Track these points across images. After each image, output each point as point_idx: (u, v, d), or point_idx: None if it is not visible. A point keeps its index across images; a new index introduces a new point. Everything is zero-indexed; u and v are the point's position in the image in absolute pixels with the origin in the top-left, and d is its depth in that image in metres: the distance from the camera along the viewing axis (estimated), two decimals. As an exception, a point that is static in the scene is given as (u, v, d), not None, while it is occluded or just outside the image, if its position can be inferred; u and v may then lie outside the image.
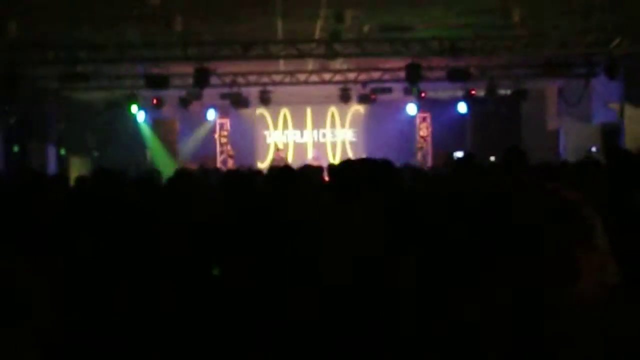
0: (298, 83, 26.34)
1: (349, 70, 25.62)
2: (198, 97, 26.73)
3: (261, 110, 30.55)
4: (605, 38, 21.27)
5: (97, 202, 6.53)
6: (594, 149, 24.70)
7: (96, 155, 28.20)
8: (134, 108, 28.08)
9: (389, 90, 27.66)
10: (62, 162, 27.08)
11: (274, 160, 28.67)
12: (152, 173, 12.95)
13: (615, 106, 24.16)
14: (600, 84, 24.92)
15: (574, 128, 27.53)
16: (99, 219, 5.95)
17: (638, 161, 6.76)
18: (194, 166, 24.00)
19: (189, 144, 31.46)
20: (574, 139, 27.41)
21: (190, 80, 22.76)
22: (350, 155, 29.98)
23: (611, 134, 24.36)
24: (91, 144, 28.22)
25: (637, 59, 22.26)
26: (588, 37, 21.24)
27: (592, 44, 21.60)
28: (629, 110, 23.37)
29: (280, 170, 8.36)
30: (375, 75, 26.41)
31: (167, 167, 24.25)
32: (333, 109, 31.51)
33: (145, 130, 30.91)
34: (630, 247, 4.19)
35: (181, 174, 8.51)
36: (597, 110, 25.79)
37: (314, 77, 26.05)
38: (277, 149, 30.94)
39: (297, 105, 31.47)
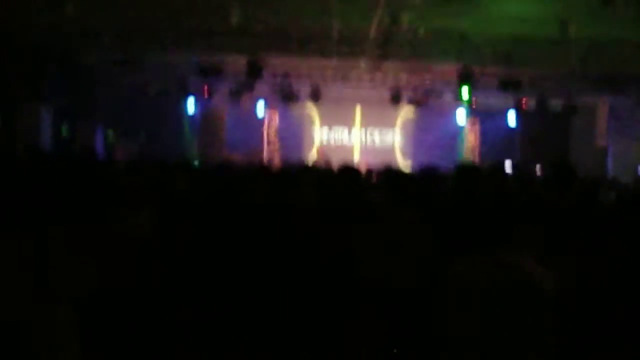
0: (349, 81, 26.35)
1: (400, 72, 25.59)
2: (249, 89, 26.81)
3: (310, 107, 30.54)
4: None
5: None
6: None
7: (143, 141, 28.35)
8: (184, 97, 28.29)
9: (439, 95, 27.63)
10: (110, 145, 27.30)
11: (318, 156, 28.69)
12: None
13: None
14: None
15: (624, 146, 27.34)
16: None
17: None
18: (239, 158, 24.13)
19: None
20: (623, 157, 27.23)
21: (242, 73, 22.85)
22: (398, 158, 30.03)
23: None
24: (139, 130, 28.38)
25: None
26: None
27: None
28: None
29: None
30: (427, 79, 26.36)
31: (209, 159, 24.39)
32: (382, 110, 31.43)
33: (191, 120, 31.03)
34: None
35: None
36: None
37: (365, 77, 26.06)
38: (321, 146, 31.01)
39: (346, 104, 31.47)
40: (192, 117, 30.86)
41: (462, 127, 31.66)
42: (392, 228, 5.74)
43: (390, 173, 8.27)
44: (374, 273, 5.30)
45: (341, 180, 7.95)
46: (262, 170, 10.63)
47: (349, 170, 8.12)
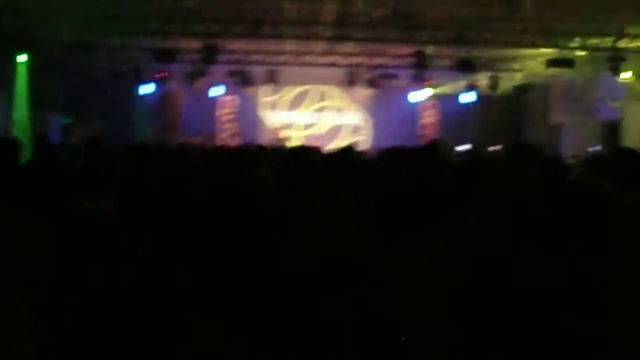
0: (305, 64, 26.39)
1: (356, 54, 25.66)
2: (204, 73, 26.75)
3: (266, 90, 30.51)
4: (611, 35, 21.35)
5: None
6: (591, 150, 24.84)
7: (99, 126, 28.19)
8: (139, 81, 28.20)
9: (395, 77, 27.75)
10: (66, 130, 27.12)
11: (275, 139, 28.72)
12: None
13: (617, 103, 24.26)
14: (605, 81, 25.01)
15: (577, 124, 27.61)
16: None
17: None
18: (195, 141, 24.12)
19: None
20: (576, 135, 27.50)
21: (198, 56, 22.83)
22: (355, 139, 30.09)
23: (613, 131, 24.48)
24: (95, 114, 28.21)
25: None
26: (593, 35, 21.34)
27: (597, 41, 21.71)
28: (631, 108, 23.47)
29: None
30: (382, 61, 26.45)
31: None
32: (339, 92, 31.48)
33: (146, 104, 30.88)
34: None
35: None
36: (600, 107, 25.89)
37: (321, 59, 26.11)
38: (281, 127, 31.12)
39: (302, 86, 31.52)
40: (148, 101, 30.73)
41: (417, 105, 31.79)
42: (331, 203, 5.84)
43: (343, 153, 8.36)
44: (313, 246, 5.38)
45: (295, 160, 8.06)
46: (218, 152, 10.69)
47: (302, 151, 8.23)
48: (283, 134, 30.09)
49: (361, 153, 15.17)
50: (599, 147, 24.57)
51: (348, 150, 7.77)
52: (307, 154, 9.04)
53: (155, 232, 5.38)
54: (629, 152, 7.45)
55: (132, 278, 4.75)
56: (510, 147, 8.58)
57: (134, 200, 6.10)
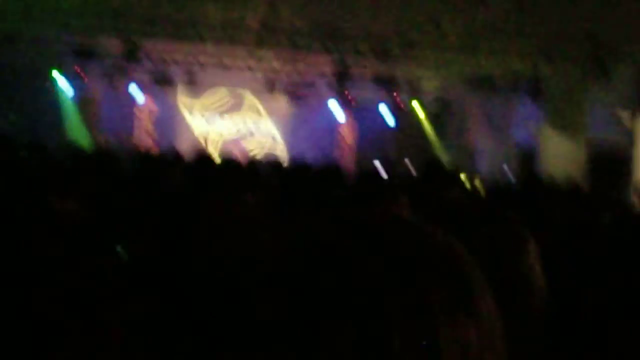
0: (225, 67, 26.27)
1: (275, 60, 25.64)
2: (124, 73, 26.48)
3: (186, 92, 30.26)
4: (530, 59, 21.62)
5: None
6: (506, 170, 25.12)
7: (12, 120, 27.70)
8: (56, 74, 27.81)
9: (312, 85, 27.79)
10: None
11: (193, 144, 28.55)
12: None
13: (533, 128, 24.54)
14: (522, 106, 25.32)
15: (494, 147, 27.88)
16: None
17: (549, 189, 6.95)
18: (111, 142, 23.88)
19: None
20: (492, 158, 27.77)
21: (117, 55, 22.61)
22: (274, 148, 30.03)
23: (528, 154, 24.75)
24: (9, 108, 27.73)
25: (559, 82, 22.69)
26: (514, 57, 21.59)
27: (517, 64, 21.96)
28: (546, 134, 23.76)
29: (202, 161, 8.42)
30: (303, 70, 26.46)
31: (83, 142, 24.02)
32: (257, 98, 31.39)
33: (67, 101, 30.46)
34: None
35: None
36: (517, 130, 26.20)
37: (241, 63, 26.02)
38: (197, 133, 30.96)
39: (222, 91, 31.37)
40: (66, 99, 30.32)
41: (336, 119, 31.84)
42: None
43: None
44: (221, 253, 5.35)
45: (203, 167, 8.07)
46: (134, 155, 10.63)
47: (209, 158, 8.24)
48: (201, 138, 29.87)
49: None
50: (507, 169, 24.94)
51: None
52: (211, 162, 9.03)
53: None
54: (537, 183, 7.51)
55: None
56: (425, 165, 8.60)
57: (97, 201, 6.09)
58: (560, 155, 22.65)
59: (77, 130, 29.92)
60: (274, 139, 32.45)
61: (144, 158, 9.41)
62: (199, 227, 5.50)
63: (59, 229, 5.20)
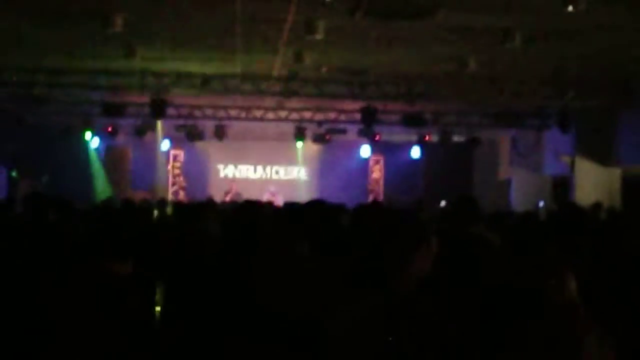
0: (254, 119, 26.38)
1: (305, 109, 25.70)
2: (153, 127, 26.70)
3: (215, 144, 30.33)
4: (559, 91, 21.56)
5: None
6: (541, 204, 24.96)
7: (45, 180, 27.92)
8: (88, 134, 28.06)
9: (343, 132, 27.82)
10: (13, 185, 26.84)
11: (232, 193, 28.58)
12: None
13: (566, 159, 24.43)
14: (553, 136, 25.24)
15: (525, 178, 27.77)
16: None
17: (587, 216, 6.90)
18: (146, 196, 23.95)
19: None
20: (525, 190, 27.67)
21: (146, 110, 22.76)
22: (304, 194, 30.02)
23: (561, 186, 24.63)
24: (43, 168, 27.95)
25: (589, 113, 22.61)
26: (542, 90, 21.54)
27: (545, 97, 21.90)
28: (580, 163, 23.66)
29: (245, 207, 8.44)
30: (331, 115, 26.51)
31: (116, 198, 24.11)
32: (287, 147, 31.40)
33: (96, 158, 30.70)
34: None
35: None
36: (549, 161, 26.08)
37: (270, 114, 26.12)
38: (232, 181, 30.95)
39: (251, 141, 31.46)
40: (97, 155, 30.59)
41: (366, 159, 31.86)
42: (288, 260, 5.84)
43: (293, 208, 8.35)
44: (272, 302, 5.37)
45: (243, 215, 8.07)
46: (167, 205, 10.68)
47: (250, 206, 8.22)
48: (232, 188, 29.88)
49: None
50: (542, 203, 24.78)
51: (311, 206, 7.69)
52: (256, 210, 9.02)
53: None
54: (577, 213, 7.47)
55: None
56: (454, 202, 8.58)
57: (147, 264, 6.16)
58: (594, 185, 22.55)
59: (109, 187, 30.10)
60: (303, 184, 32.47)
61: (181, 210, 9.42)
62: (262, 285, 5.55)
63: (118, 290, 5.29)
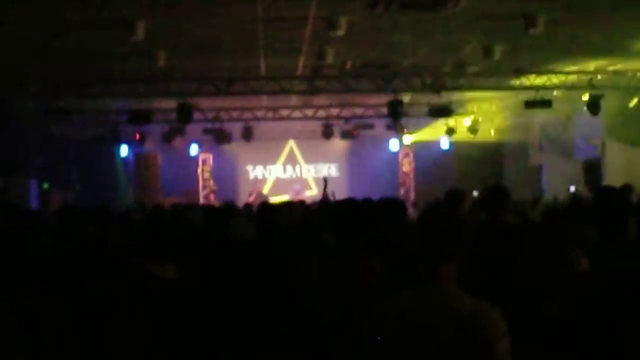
0: (280, 119, 26.40)
1: (331, 106, 25.69)
2: (181, 132, 26.76)
3: (243, 146, 30.30)
4: (587, 74, 21.44)
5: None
6: (572, 189, 24.80)
7: (78, 190, 28.08)
8: (117, 144, 28.23)
9: (371, 126, 27.76)
10: (44, 197, 26.97)
11: (254, 195, 28.55)
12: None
13: (596, 142, 24.27)
14: (582, 120, 25.08)
15: (556, 164, 27.62)
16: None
17: (622, 196, 6.80)
18: (176, 200, 23.99)
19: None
20: (556, 175, 27.51)
21: (173, 115, 22.80)
22: (335, 191, 29.92)
23: (593, 169, 24.46)
24: (73, 179, 28.11)
25: (618, 95, 22.46)
26: (569, 74, 21.43)
27: (573, 80, 21.77)
28: (610, 146, 23.50)
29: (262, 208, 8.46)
30: (358, 111, 26.48)
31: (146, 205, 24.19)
32: (315, 145, 31.35)
33: (121, 167, 30.80)
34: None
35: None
36: (579, 146, 25.92)
37: (297, 113, 26.13)
38: (257, 181, 30.91)
39: (279, 141, 31.46)
40: (126, 163, 30.71)
41: (395, 153, 31.77)
42: (334, 260, 5.84)
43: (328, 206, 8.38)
44: (314, 303, 5.37)
45: (279, 215, 8.11)
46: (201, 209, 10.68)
47: (286, 206, 8.26)
48: (256, 189, 29.85)
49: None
50: (573, 187, 24.62)
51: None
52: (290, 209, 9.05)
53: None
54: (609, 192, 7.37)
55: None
56: (485, 192, 8.56)
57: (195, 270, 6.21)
58: (625, 168, 22.38)
59: (130, 196, 30.22)
60: (334, 181, 32.44)
61: (212, 213, 9.40)
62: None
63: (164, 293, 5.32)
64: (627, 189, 16.19)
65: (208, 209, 10.16)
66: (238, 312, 5.67)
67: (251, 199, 26.90)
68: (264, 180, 32.06)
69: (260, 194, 28.13)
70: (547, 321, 3.87)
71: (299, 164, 32.73)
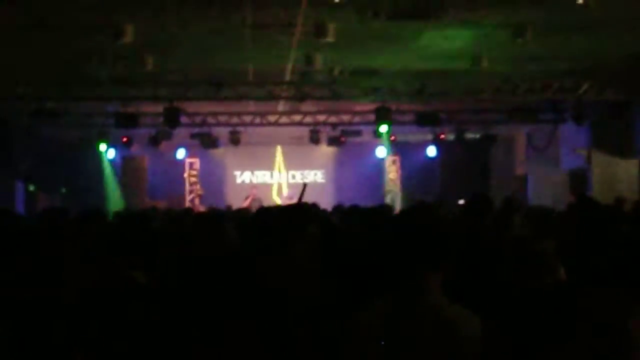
0: (268, 124, 26.39)
1: (318, 112, 25.69)
2: (168, 136, 26.72)
3: (231, 151, 30.28)
4: (573, 84, 21.49)
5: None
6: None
7: (63, 193, 28.03)
8: (102, 146, 28.19)
9: (358, 133, 27.77)
10: (31, 199, 26.92)
11: (250, 199, 28.49)
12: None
13: (582, 152, 24.33)
14: (568, 130, 25.17)
15: (542, 173, 27.69)
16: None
17: (605, 211, 6.86)
18: (163, 206, 23.99)
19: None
20: (542, 185, 27.58)
21: (161, 119, 22.78)
22: (321, 197, 29.93)
23: (579, 179, 24.51)
24: (59, 181, 28.05)
25: (604, 106, 22.51)
26: (556, 84, 21.47)
27: (559, 91, 21.82)
28: (597, 156, 23.55)
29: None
30: (345, 117, 26.49)
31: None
32: (302, 151, 31.34)
33: (111, 169, 30.74)
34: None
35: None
36: (565, 156, 25.99)
37: (284, 119, 26.12)
38: (252, 187, 30.78)
39: (266, 146, 31.43)
40: (112, 166, 30.67)
41: (382, 160, 31.81)
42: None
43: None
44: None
45: (261, 221, 8.13)
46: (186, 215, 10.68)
47: (268, 212, 8.27)
48: (251, 194, 29.83)
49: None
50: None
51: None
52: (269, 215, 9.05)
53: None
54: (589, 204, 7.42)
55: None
56: (469, 200, 8.61)
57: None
58: (612, 178, 22.45)
59: (122, 199, 30.16)
60: (321, 187, 32.44)
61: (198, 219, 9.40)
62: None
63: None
64: (619, 202, 16.33)
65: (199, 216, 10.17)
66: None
67: (246, 203, 26.86)
68: (259, 185, 31.96)
69: (254, 199, 28.07)
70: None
71: (286, 169, 32.73)
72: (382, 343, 3.82)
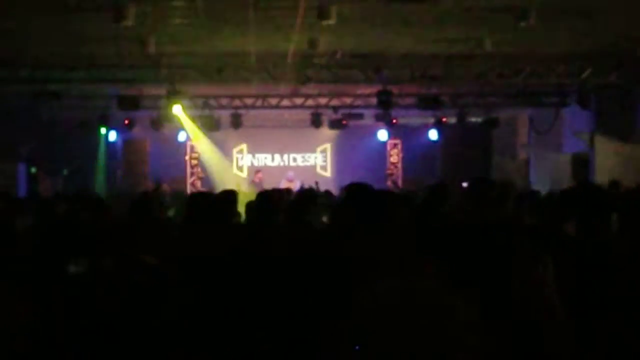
0: (269, 107, 26.32)
1: (320, 95, 25.63)
2: (169, 118, 26.66)
3: (232, 133, 30.18)
4: (577, 68, 21.42)
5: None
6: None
7: (66, 174, 28.02)
8: (104, 129, 28.18)
9: (360, 116, 27.70)
10: (33, 181, 26.93)
11: (253, 182, 28.50)
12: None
13: (584, 136, 24.26)
14: (571, 114, 25.10)
15: (545, 157, 27.62)
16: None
17: (606, 195, 6.81)
18: (165, 188, 24.00)
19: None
20: (544, 168, 27.53)
21: (163, 102, 22.74)
22: (322, 180, 29.92)
23: (581, 163, 24.46)
24: (61, 163, 28.04)
25: (608, 90, 22.45)
26: (559, 67, 21.40)
27: (563, 74, 21.75)
28: (599, 141, 23.50)
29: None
30: (347, 100, 26.44)
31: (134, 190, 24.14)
32: (304, 133, 31.27)
33: (103, 153, 30.69)
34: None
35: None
36: (568, 139, 25.92)
37: (286, 102, 26.06)
38: (256, 172, 30.70)
39: (268, 129, 31.34)
40: (114, 148, 30.66)
41: (384, 143, 31.80)
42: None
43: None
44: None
45: (262, 203, 8.18)
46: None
47: (271, 195, 8.35)
48: (251, 177, 29.81)
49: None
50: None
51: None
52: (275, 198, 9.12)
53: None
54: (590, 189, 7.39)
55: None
56: (470, 183, 8.58)
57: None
58: (615, 162, 22.39)
59: (127, 179, 30.17)
60: (322, 170, 32.42)
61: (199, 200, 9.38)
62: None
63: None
64: (613, 185, 16.27)
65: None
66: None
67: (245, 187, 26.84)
68: (264, 168, 31.84)
69: (256, 183, 28.05)
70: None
71: (287, 152, 32.68)
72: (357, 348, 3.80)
